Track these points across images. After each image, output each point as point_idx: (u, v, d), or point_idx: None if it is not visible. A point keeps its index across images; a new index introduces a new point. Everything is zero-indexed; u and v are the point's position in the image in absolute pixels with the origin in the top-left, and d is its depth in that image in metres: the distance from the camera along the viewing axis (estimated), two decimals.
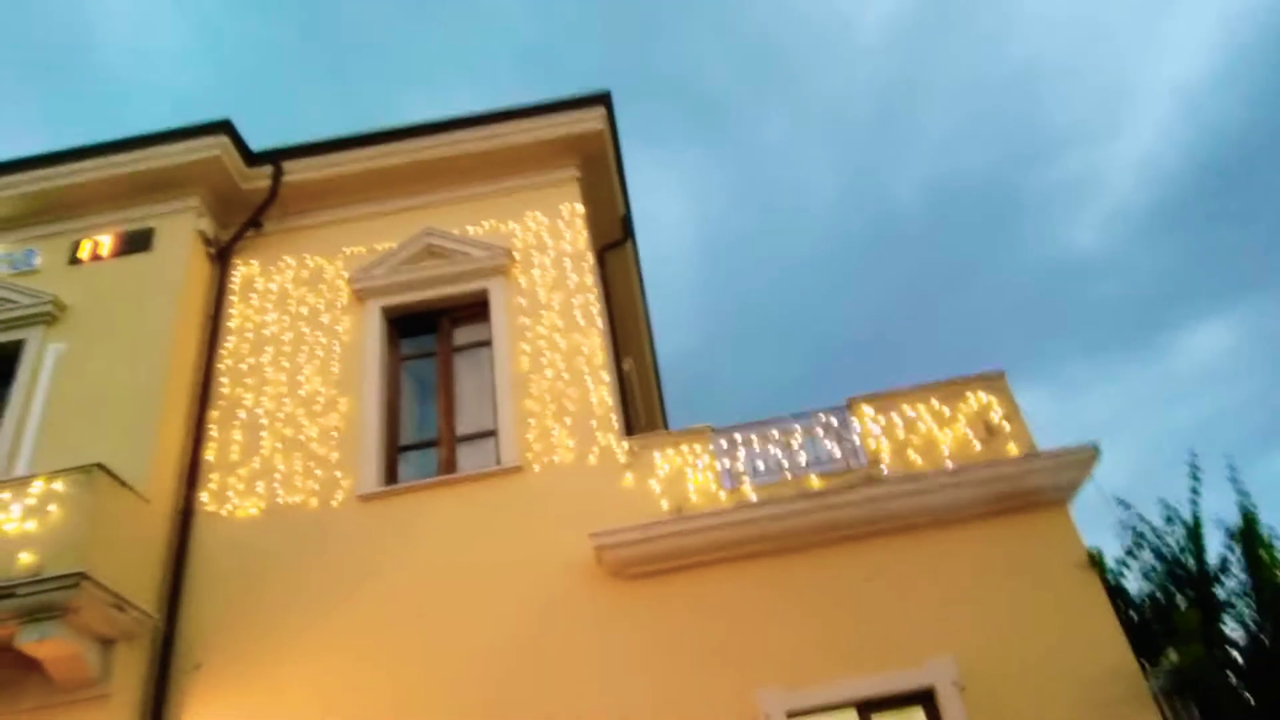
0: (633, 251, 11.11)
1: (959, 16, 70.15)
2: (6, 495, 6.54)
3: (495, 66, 73.42)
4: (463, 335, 8.87)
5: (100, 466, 6.65)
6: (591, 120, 9.45)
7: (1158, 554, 7.55)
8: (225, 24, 68.01)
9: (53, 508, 6.44)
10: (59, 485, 6.52)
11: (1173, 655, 6.40)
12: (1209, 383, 56.62)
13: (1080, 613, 6.40)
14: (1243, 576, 7.34)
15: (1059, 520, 6.76)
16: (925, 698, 6.23)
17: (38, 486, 6.55)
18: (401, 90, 71.07)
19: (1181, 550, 7.69)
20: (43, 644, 5.97)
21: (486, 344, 8.70)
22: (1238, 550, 7.37)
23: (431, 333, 8.92)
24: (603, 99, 9.48)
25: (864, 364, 59.53)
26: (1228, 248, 58.23)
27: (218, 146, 9.01)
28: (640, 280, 11.66)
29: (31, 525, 6.39)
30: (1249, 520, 7.41)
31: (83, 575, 5.98)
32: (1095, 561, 6.61)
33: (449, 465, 7.98)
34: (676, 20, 73.75)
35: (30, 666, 6.23)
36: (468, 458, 8.06)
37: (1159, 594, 7.68)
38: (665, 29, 73.65)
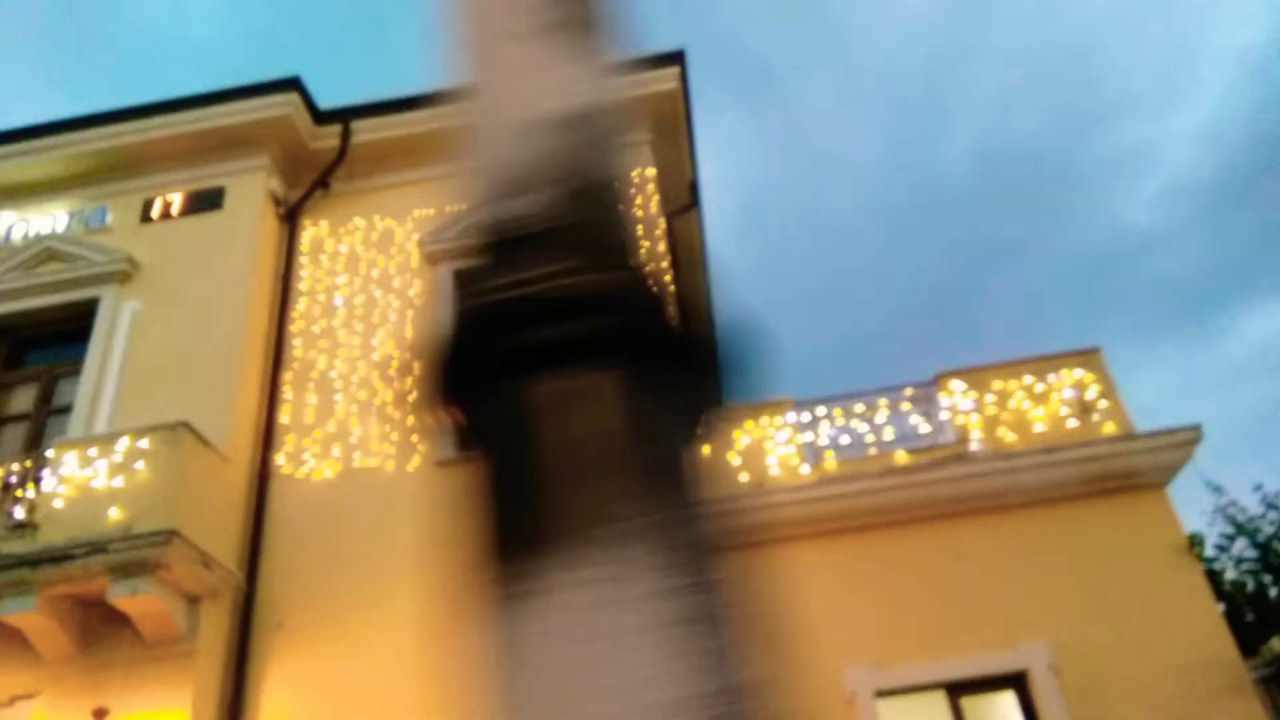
0: (698, 218, 10.89)
1: None
2: (93, 452, 6.56)
3: None
4: None
5: (185, 425, 6.65)
6: (666, 80, 9.19)
7: (1253, 541, 7.33)
8: None
9: (140, 465, 6.45)
10: (145, 443, 6.52)
11: (1275, 644, 6.21)
12: (1266, 367, 55.34)
13: (1178, 599, 6.22)
14: None
15: (1157, 503, 6.56)
16: (1017, 681, 6.11)
17: (123, 444, 6.56)
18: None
19: (1276, 538, 7.46)
20: (134, 599, 6.00)
21: None
22: None
23: None
24: (677, 58, 9.22)
25: (903, 340, 58.90)
26: None
27: (288, 104, 8.90)
28: (703, 248, 11.45)
29: (119, 482, 6.41)
30: None
31: (173, 532, 5.99)
32: (1194, 546, 6.40)
33: None
34: None
35: (119, 621, 6.28)
36: None
37: (1251, 582, 7.47)
38: None
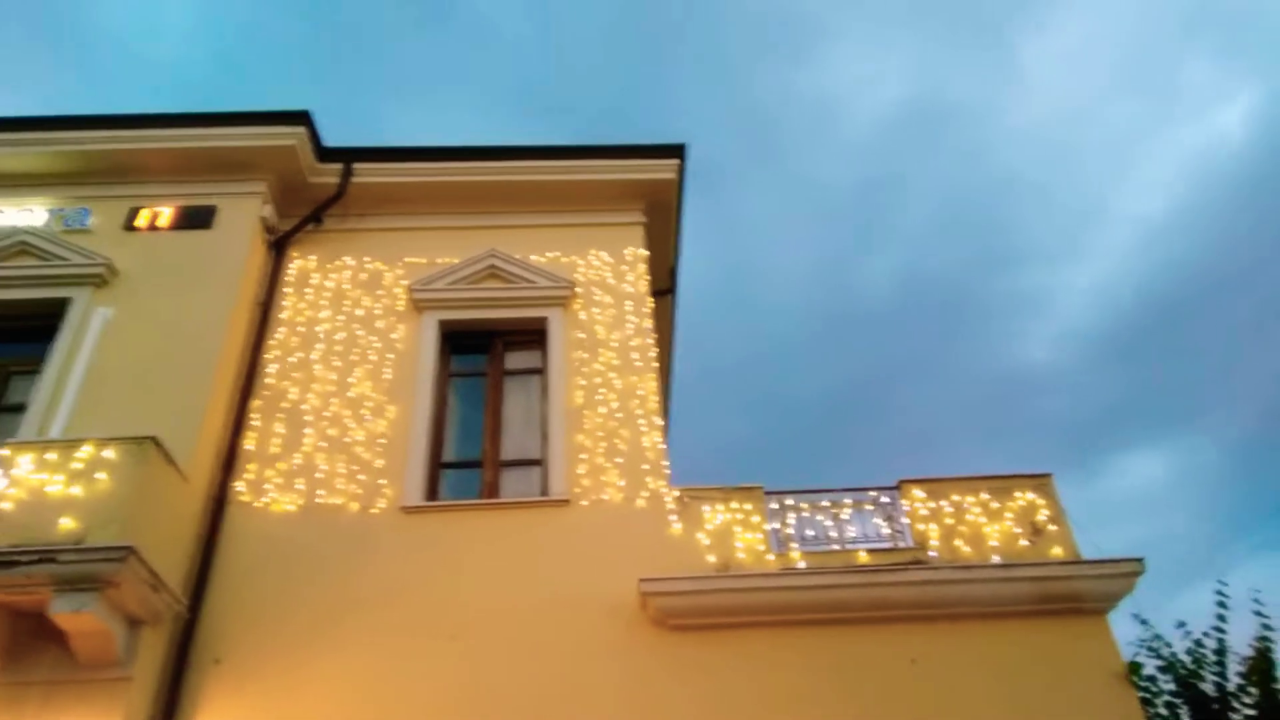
0: (672, 303, 11.22)
1: (944, 127, 73.33)
2: (51, 456, 6.27)
3: (497, 92, 74.51)
4: (515, 360, 8.82)
5: (154, 439, 6.43)
6: (665, 170, 9.62)
7: (1176, 677, 7.74)
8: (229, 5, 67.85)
9: (101, 475, 6.18)
10: (110, 453, 6.27)
11: None
12: (1138, 509, 58.28)
13: None
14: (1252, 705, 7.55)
15: (1099, 628, 6.87)
16: None
17: (85, 451, 6.29)
18: (397, 100, 71.82)
19: (1193, 673, 7.89)
20: (76, 616, 5.66)
21: (538, 372, 8.68)
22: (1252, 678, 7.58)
23: (482, 353, 8.85)
24: (678, 150, 9.66)
25: (815, 440, 60.27)
26: (1166, 381, 60.63)
27: (294, 136, 8.96)
28: (673, 333, 11.75)
29: (77, 490, 6.12)
30: (1262, 651, 7.64)
31: (130, 549, 5.73)
32: (1134, 673, 6.71)
33: (491, 489, 7.86)
34: (682, 75, 75.76)
35: (50, 637, 5.90)
36: (509, 484, 7.96)
37: (1165, 713, 7.85)
38: (670, 80, 75.55)
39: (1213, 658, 7.89)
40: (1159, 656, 8.09)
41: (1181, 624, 8.23)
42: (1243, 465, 57.05)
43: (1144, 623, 8.19)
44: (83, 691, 5.85)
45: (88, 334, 7.76)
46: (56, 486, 6.14)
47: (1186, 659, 8.01)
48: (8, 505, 6.10)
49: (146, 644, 6.18)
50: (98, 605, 5.69)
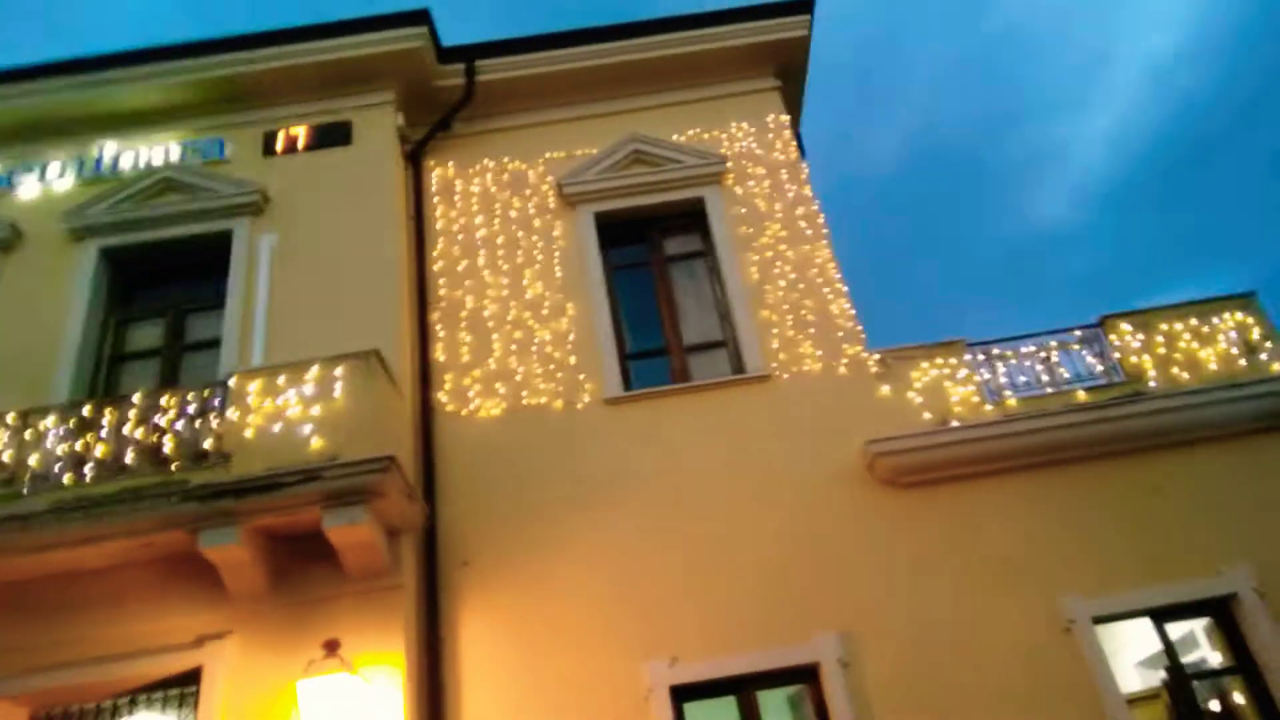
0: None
1: None
2: (282, 381, 6.24)
3: None
4: (674, 245, 8.61)
5: (378, 353, 6.37)
6: (796, 28, 9.16)
7: None
8: None
9: (335, 393, 6.15)
10: (339, 371, 6.22)
11: None
12: None
13: None
14: None
15: None
16: (1223, 605, 6.26)
17: (314, 372, 6.25)
18: None
19: None
20: (347, 530, 5.70)
21: (700, 254, 8.48)
22: None
23: (639, 242, 8.64)
24: (807, 5, 9.17)
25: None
26: (1190, 224, 59.19)
27: (417, 37, 8.58)
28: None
29: (316, 410, 6.10)
30: None
31: (392, 459, 5.72)
32: None
33: (681, 374, 7.78)
34: None
35: (312, 555, 5.98)
36: (700, 367, 7.87)
37: None
38: None
39: None
40: None
41: None
42: None
43: None
44: (360, 602, 5.94)
45: (260, 263, 7.63)
46: (296, 409, 6.13)
47: None
48: (250, 433, 6.11)
49: (405, 552, 6.26)
50: (366, 516, 5.73)
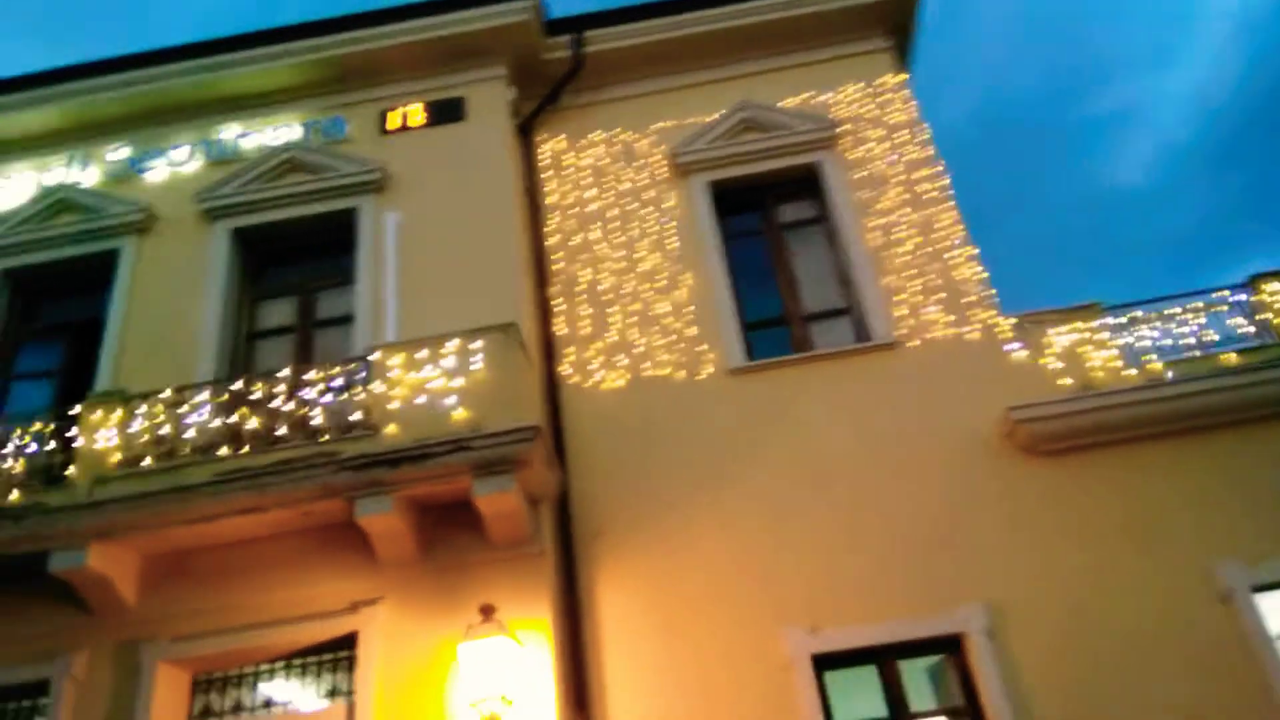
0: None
1: None
2: (423, 354, 6.35)
3: None
4: (789, 212, 8.50)
5: (515, 326, 6.44)
6: None
7: None
8: None
9: (476, 365, 6.25)
10: (478, 344, 6.31)
11: None
12: None
13: None
14: None
15: None
16: None
17: (453, 345, 6.35)
18: None
19: None
20: (495, 498, 5.80)
21: (816, 220, 8.35)
22: None
23: (753, 210, 8.55)
24: None
25: None
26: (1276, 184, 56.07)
27: (525, 10, 8.57)
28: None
29: (458, 382, 6.21)
30: None
31: (537, 429, 5.80)
32: None
33: (803, 343, 7.70)
34: None
35: (459, 523, 6.10)
36: (821, 335, 7.78)
37: None
38: None
39: None
40: None
41: None
42: None
43: None
44: (506, 569, 6.06)
45: (386, 240, 7.76)
46: (438, 381, 6.24)
47: None
48: (395, 405, 6.25)
49: (544, 521, 6.35)
50: (512, 485, 5.81)
